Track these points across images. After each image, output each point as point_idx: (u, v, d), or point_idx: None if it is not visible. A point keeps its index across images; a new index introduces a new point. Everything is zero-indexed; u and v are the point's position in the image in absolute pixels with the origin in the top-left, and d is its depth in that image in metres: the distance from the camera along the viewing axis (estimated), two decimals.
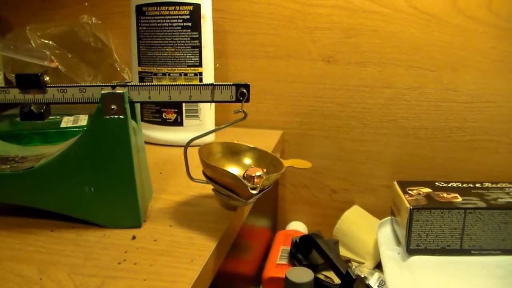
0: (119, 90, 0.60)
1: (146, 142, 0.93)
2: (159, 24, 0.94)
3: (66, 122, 0.99)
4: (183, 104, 0.96)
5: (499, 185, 0.96)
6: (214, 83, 0.62)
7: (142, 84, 0.62)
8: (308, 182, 1.17)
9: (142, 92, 0.62)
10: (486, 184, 0.96)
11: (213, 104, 0.64)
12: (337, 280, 0.83)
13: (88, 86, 0.62)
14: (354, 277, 0.75)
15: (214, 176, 0.66)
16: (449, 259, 0.87)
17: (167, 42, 0.94)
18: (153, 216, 0.67)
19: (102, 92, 0.59)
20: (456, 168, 1.07)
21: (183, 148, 0.67)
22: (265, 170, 0.69)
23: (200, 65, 0.94)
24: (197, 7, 0.93)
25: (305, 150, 1.15)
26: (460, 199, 0.89)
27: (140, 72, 0.97)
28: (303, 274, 0.73)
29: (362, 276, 0.94)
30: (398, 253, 0.91)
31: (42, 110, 0.62)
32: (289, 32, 1.08)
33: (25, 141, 0.95)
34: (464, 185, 0.96)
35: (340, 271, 0.78)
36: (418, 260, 0.87)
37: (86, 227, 0.63)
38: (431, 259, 0.87)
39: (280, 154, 1.12)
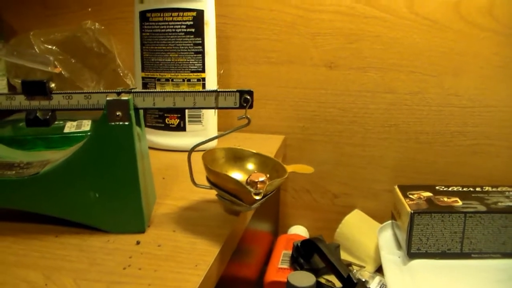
0: (124, 97, 0.60)
1: (149, 148, 0.93)
2: (162, 30, 0.94)
3: (70, 127, 0.99)
4: (186, 110, 0.96)
5: (499, 189, 0.96)
6: (218, 90, 0.63)
7: (147, 90, 0.63)
8: (310, 186, 1.18)
9: (147, 99, 0.63)
10: (487, 188, 0.97)
11: (216, 110, 0.65)
12: (338, 284, 0.83)
13: (93, 92, 0.62)
14: (355, 281, 0.76)
15: (217, 181, 0.66)
16: (449, 263, 0.88)
17: (171, 48, 0.95)
18: (157, 221, 0.67)
19: (107, 98, 0.60)
20: (457, 172, 1.08)
21: (186, 153, 0.67)
22: (268, 175, 0.69)
23: (203, 70, 0.95)
24: (200, 13, 0.93)
25: (307, 155, 1.15)
26: (460, 203, 0.90)
27: (143, 78, 0.98)
28: (304, 278, 0.74)
29: (363, 280, 0.94)
30: (399, 257, 0.91)
31: (48, 117, 0.62)
32: (291, 37, 1.09)
33: (29, 146, 0.95)
34: (465, 189, 0.96)
35: (341, 275, 0.78)
36: (418, 263, 0.88)
37: (91, 233, 0.63)
38: (431, 263, 0.88)
39: (282, 159, 1.12)
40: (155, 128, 0.99)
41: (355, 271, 0.98)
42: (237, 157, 0.75)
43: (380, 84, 1.07)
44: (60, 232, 0.64)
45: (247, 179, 0.69)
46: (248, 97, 0.63)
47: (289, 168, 0.73)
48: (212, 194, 0.70)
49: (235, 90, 0.63)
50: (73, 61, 1.10)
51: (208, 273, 0.55)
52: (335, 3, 1.05)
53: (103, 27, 1.14)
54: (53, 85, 0.62)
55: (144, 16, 0.95)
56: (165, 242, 0.61)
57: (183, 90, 0.63)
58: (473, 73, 1.02)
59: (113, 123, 0.60)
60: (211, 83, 0.96)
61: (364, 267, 1.01)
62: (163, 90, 0.68)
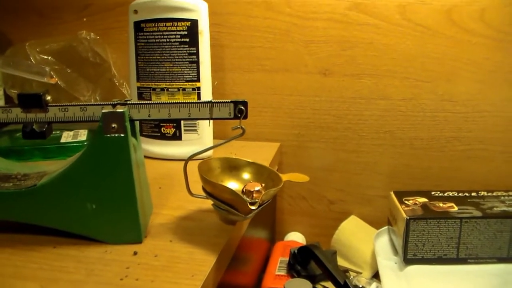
0: (119, 109, 0.61)
1: (145, 157, 0.93)
2: (157, 40, 0.95)
3: (66, 137, 1.00)
4: None
5: (494, 194, 0.97)
6: (213, 101, 0.63)
7: (142, 102, 0.63)
8: (306, 193, 1.18)
9: (142, 110, 0.63)
10: (482, 193, 0.97)
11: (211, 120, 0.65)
12: None
13: (89, 104, 0.63)
14: (351, 287, 0.76)
15: (213, 191, 0.67)
16: (445, 268, 0.88)
17: (165, 57, 0.95)
18: (154, 231, 0.68)
19: (103, 111, 0.60)
20: (452, 178, 1.09)
21: (182, 162, 0.68)
22: (263, 184, 0.70)
23: (198, 80, 0.95)
24: (194, 23, 0.94)
25: (302, 161, 1.16)
26: (456, 208, 0.90)
27: (138, 88, 0.98)
28: (301, 286, 0.74)
29: (360, 286, 0.95)
30: (395, 263, 0.92)
31: (44, 129, 0.63)
32: (286, 45, 1.09)
33: (26, 156, 0.96)
34: (460, 194, 0.97)
35: (338, 282, 0.79)
36: (415, 269, 0.88)
37: (88, 243, 0.64)
38: (428, 268, 0.88)
39: (278, 166, 1.13)
40: (151, 137, 1.00)
41: (352, 277, 0.98)
42: (232, 167, 0.76)
43: (374, 91, 1.07)
44: (57, 243, 0.64)
45: (243, 188, 0.69)
46: (243, 107, 0.63)
47: (285, 177, 0.74)
48: (208, 203, 0.70)
49: (229, 101, 0.63)
50: (68, 71, 1.11)
51: (204, 283, 0.55)
52: (328, 11, 1.05)
53: (98, 37, 1.14)
54: (49, 97, 0.63)
55: (138, 26, 0.96)
56: (162, 252, 0.62)
57: (178, 101, 0.63)
58: (466, 78, 1.03)
59: (108, 135, 0.60)
60: (206, 92, 0.97)
61: (361, 273, 1.01)
62: (158, 100, 0.68)
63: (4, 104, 1.09)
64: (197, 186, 0.69)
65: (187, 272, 0.57)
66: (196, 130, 0.97)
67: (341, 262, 1.05)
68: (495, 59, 1.01)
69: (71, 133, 1.01)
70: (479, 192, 0.98)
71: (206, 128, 0.98)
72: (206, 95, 0.97)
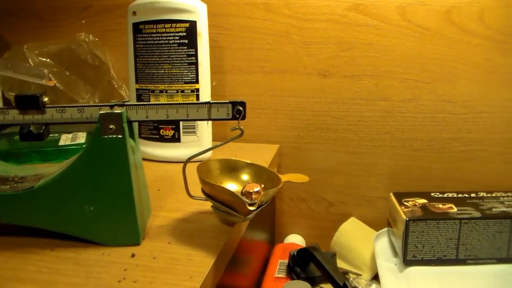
0: (117, 110, 0.61)
1: (144, 159, 0.93)
2: (155, 42, 0.95)
3: (65, 139, 0.99)
4: (180, 121, 0.96)
5: (494, 195, 0.97)
6: (211, 102, 0.63)
7: (140, 103, 0.63)
8: (305, 195, 1.18)
9: (139, 111, 0.63)
10: (481, 194, 0.97)
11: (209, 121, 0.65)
12: None
13: (86, 106, 0.62)
14: None
15: (212, 193, 0.66)
16: (445, 269, 0.88)
17: (164, 59, 0.95)
18: (152, 233, 0.67)
19: (100, 112, 0.60)
20: (452, 179, 1.08)
21: (181, 164, 0.67)
22: (262, 185, 0.69)
23: (197, 81, 0.95)
24: (193, 24, 0.94)
25: (301, 163, 1.15)
26: (455, 209, 0.90)
27: (137, 89, 0.98)
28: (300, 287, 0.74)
29: (360, 287, 0.94)
30: (395, 264, 0.92)
31: (41, 131, 0.62)
32: (285, 47, 1.09)
33: (24, 159, 0.96)
34: (460, 195, 0.97)
35: (337, 283, 0.79)
36: (414, 270, 0.88)
37: (86, 246, 0.63)
38: (427, 270, 0.88)
39: (277, 167, 1.13)
40: (150, 139, 0.99)
41: (351, 279, 0.98)
42: (231, 168, 0.75)
43: (373, 92, 1.07)
44: (56, 245, 0.64)
45: (242, 189, 0.69)
46: (241, 108, 0.63)
47: (284, 178, 0.74)
48: (208, 205, 0.70)
49: (227, 101, 0.63)
50: (67, 73, 1.10)
51: (203, 285, 0.55)
52: (328, 12, 1.05)
53: (97, 39, 1.14)
54: (46, 99, 0.62)
55: (137, 28, 0.96)
56: (160, 254, 0.61)
57: (176, 102, 0.63)
58: (465, 79, 1.02)
59: (106, 136, 0.60)
60: (205, 94, 0.97)
61: (361, 275, 1.01)
62: (157, 101, 0.68)
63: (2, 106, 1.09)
64: (196, 188, 0.69)
65: (185, 274, 0.57)
66: (195, 132, 0.97)
67: (341, 264, 1.05)
68: (494, 60, 1.01)
69: (70, 135, 1.01)
70: (479, 193, 0.98)
71: (205, 130, 0.98)
72: (205, 96, 0.97)
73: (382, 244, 0.98)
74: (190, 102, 0.64)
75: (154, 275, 0.57)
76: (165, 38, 0.94)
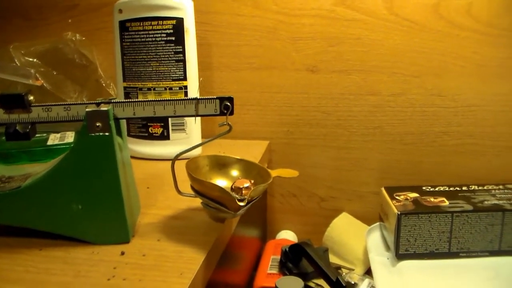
0: (103, 108, 0.60)
1: (133, 157, 0.93)
2: (142, 39, 0.94)
3: (53, 139, 0.99)
4: (169, 118, 0.96)
5: (485, 188, 0.97)
6: (198, 97, 0.63)
7: (127, 100, 0.62)
8: (296, 191, 1.18)
9: (126, 109, 0.62)
10: (473, 187, 0.97)
11: (198, 117, 0.64)
12: None
13: (72, 104, 0.62)
14: (344, 284, 0.76)
15: (202, 189, 0.66)
16: (438, 263, 0.88)
17: (151, 57, 0.94)
18: (142, 231, 0.67)
19: (87, 110, 0.60)
20: (443, 172, 1.08)
21: (170, 162, 0.67)
22: (252, 181, 0.69)
23: (185, 78, 0.95)
24: (180, 21, 0.93)
25: (292, 159, 1.15)
26: (447, 203, 0.90)
27: (125, 88, 0.98)
28: (293, 283, 0.74)
29: (352, 282, 0.94)
30: (388, 258, 0.91)
31: (28, 130, 0.62)
32: (273, 43, 1.09)
33: (13, 160, 0.95)
34: (451, 189, 0.97)
35: (330, 279, 0.78)
36: (407, 264, 0.88)
37: (75, 245, 0.63)
38: (420, 263, 0.88)
39: (268, 164, 1.12)
40: (138, 137, 0.99)
41: (344, 274, 0.98)
42: (221, 164, 0.75)
43: (362, 87, 1.07)
44: (44, 245, 0.63)
45: (232, 185, 0.69)
46: (228, 103, 0.63)
47: (274, 173, 0.73)
48: (197, 202, 0.69)
49: (215, 97, 0.63)
50: (54, 73, 1.10)
51: (193, 281, 0.55)
52: (315, 7, 1.05)
53: (84, 38, 1.14)
54: (31, 97, 0.62)
55: (123, 26, 0.95)
56: (149, 252, 0.61)
57: (163, 99, 0.62)
58: (454, 72, 1.02)
59: (93, 134, 0.60)
60: (193, 91, 0.96)
61: (353, 269, 1.01)
62: (144, 99, 0.67)
63: None
64: (186, 185, 0.69)
65: (175, 271, 0.57)
66: (184, 129, 0.97)
67: (333, 259, 1.05)
68: (483, 53, 1.01)
69: (58, 135, 1.00)
70: (470, 186, 0.98)
71: (194, 127, 0.98)
72: (193, 93, 0.96)
73: (374, 238, 0.98)
74: (177, 98, 0.63)
75: (144, 273, 0.56)
76: (152, 35, 0.94)
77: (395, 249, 0.88)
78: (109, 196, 0.62)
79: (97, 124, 0.59)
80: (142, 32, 0.94)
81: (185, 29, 0.94)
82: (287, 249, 0.93)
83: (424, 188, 0.97)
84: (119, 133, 0.65)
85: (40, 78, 1.05)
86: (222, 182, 0.74)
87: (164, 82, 0.95)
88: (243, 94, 1.13)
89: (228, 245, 0.74)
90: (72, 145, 0.96)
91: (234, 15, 1.09)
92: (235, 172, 0.75)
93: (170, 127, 0.97)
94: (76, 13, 1.18)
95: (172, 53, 0.94)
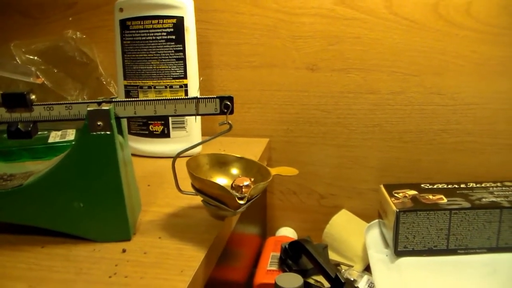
0: (105, 107, 0.61)
1: (134, 155, 0.93)
2: (143, 38, 0.95)
3: (54, 137, 0.99)
4: (170, 117, 0.96)
5: (483, 185, 0.97)
6: (198, 97, 0.63)
7: (128, 99, 0.63)
8: (296, 188, 1.18)
9: (127, 108, 0.63)
10: (471, 185, 0.98)
11: (198, 116, 0.65)
12: (327, 284, 0.84)
13: (74, 103, 0.62)
14: (343, 281, 0.76)
15: (202, 188, 0.66)
16: (436, 260, 0.89)
17: (152, 55, 0.95)
18: (143, 228, 0.67)
19: (88, 109, 0.60)
20: (442, 170, 1.09)
21: (171, 159, 0.67)
22: (252, 179, 0.70)
23: (185, 77, 0.95)
24: (180, 20, 0.94)
25: (292, 157, 1.16)
26: (445, 200, 0.91)
27: (125, 86, 0.98)
28: (292, 280, 0.74)
29: (352, 279, 0.95)
30: (386, 255, 0.92)
31: (29, 128, 0.62)
32: (273, 41, 1.09)
33: (14, 157, 0.95)
34: (449, 186, 0.97)
35: (329, 275, 0.79)
36: (406, 261, 0.88)
37: (77, 242, 0.63)
38: (419, 260, 0.89)
39: (267, 162, 1.13)
40: (139, 135, 0.99)
41: (343, 270, 0.99)
42: (221, 162, 0.76)
43: (362, 85, 1.08)
44: (46, 242, 0.64)
45: (232, 183, 0.69)
46: (228, 103, 0.63)
47: (274, 171, 0.74)
48: (198, 200, 0.70)
49: (215, 96, 0.63)
50: (55, 71, 1.10)
51: (194, 279, 0.55)
52: (315, 6, 1.05)
53: (84, 36, 1.14)
54: (33, 96, 0.62)
55: (124, 24, 0.95)
56: (151, 249, 0.62)
57: (164, 97, 0.63)
58: (453, 71, 1.03)
59: (94, 133, 0.60)
60: (194, 89, 0.96)
61: (353, 266, 1.01)
62: (146, 97, 0.68)
63: None
64: (186, 183, 0.69)
65: (176, 268, 0.57)
66: (184, 127, 0.97)
67: (332, 256, 1.06)
68: (482, 52, 1.01)
69: (59, 133, 1.01)
70: (468, 184, 0.98)
71: (194, 125, 0.98)
72: (193, 92, 0.96)
73: (373, 235, 0.99)
74: (178, 97, 0.63)
75: (145, 270, 0.57)
76: (152, 34, 0.94)
77: (394, 246, 0.89)
78: (110, 194, 0.62)
79: (99, 123, 0.60)
80: (142, 31, 0.94)
81: (185, 28, 0.94)
82: (286, 246, 0.93)
83: (422, 185, 0.98)
84: (120, 131, 0.65)
85: (41, 76, 1.05)
86: (222, 180, 0.74)
87: (164, 81, 0.95)
88: (243, 92, 1.13)
89: (228, 242, 0.74)
90: (73, 143, 0.97)
91: (234, 13, 1.10)
92: (235, 170, 0.76)
93: (171, 125, 0.97)
94: (76, 11, 1.19)
95: (173, 51, 0.94)
